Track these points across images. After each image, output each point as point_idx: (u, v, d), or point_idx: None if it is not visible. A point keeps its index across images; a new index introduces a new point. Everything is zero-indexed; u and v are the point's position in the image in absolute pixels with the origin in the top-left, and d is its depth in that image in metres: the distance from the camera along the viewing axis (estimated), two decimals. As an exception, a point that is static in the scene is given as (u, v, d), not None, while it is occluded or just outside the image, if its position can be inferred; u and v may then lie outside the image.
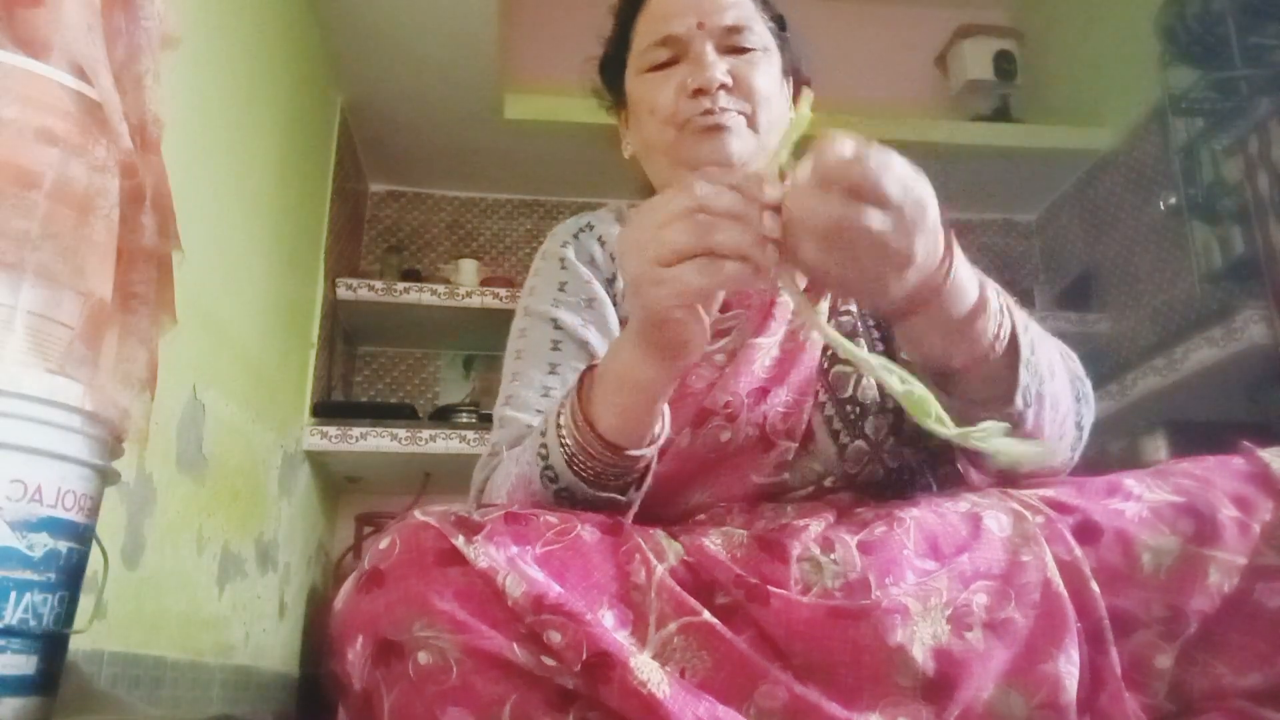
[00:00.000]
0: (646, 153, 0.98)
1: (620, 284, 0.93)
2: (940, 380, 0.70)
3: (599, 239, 0.96)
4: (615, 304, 0.92)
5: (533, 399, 0.85)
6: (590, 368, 0.71)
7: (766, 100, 0.92)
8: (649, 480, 0.74)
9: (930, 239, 0.59)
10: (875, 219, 0.56)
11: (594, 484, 0.71)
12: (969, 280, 0.65)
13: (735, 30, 0.91)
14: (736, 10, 0.92)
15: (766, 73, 0.92)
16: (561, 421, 0.71)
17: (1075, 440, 0.77)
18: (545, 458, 0.72)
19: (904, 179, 0.57)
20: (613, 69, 1.01)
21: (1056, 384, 0.72)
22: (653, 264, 0.58)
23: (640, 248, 0.59)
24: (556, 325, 0.90)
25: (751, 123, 0.92)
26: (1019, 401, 0.67)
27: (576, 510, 0.70)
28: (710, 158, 0.91)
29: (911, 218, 0.57)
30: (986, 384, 0.68)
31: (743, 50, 0.91)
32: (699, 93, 0.89)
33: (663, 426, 0.72)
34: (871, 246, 0.57)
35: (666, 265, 0.58)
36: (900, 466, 0.81)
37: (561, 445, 0.71)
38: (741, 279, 0.58)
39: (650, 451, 0.71)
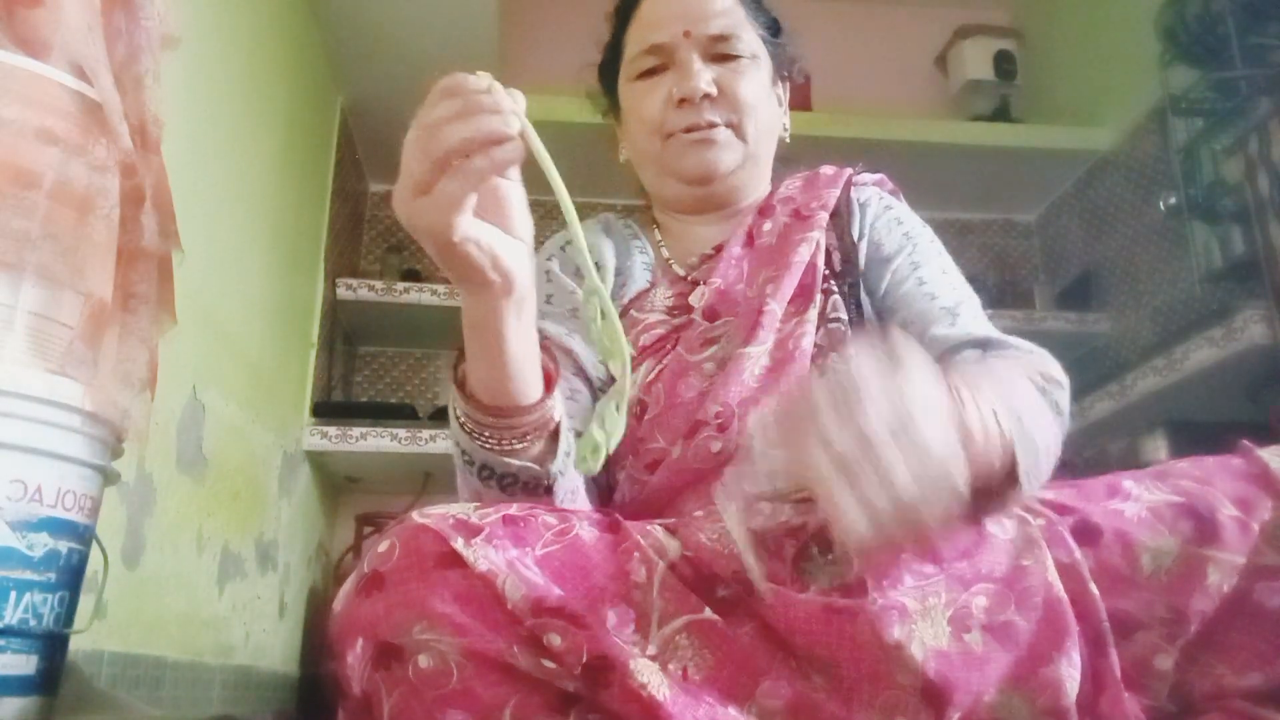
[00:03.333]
0: (638, 159, 0.99)
1: (607, 291, 0.93)
2: None
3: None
4: None
5: None
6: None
7: (753, 109, 0.92)
8: (564, 447, 0.72)
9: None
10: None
11: (497, 451, 0.69)
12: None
13: (722, 39, 0.91)
14: (724, 18, 0.92)
15: (753, 80, 0.92)
16: (455, 403, 0.71)
17: (1060, 429, 0.74)
18: (458, 442, 0.72)
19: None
20: (608, 74, 1.02)
21: (1044, 434, 0.66)
22: (411, 199, 0.58)
23: (397, 196, 0.60)
24: (543, 336, 0.89)
25: (739, 132, 0.92)
26: (1025, 484, 0.63)
27: (510, 497, 0.69)
28: (696, 170, 0.92)
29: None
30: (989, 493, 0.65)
31: (730, 58, 0.92)
32: (683, 103, 0.90)
33: (536, 385, 0.69)
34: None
35: (422, 194, 0.58)
36: None
37: (454, 416, 0.70)
38: (488, 169, 0.57)
39: (536, 415, 0.69)
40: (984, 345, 0.81)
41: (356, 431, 2.61)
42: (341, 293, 2.83)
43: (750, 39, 0.93)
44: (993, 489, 0.59)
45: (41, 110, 0.90)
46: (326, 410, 2.65)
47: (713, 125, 0.90)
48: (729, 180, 0.93)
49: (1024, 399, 0.66)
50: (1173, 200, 2.63)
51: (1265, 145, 2.25)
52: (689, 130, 0.90)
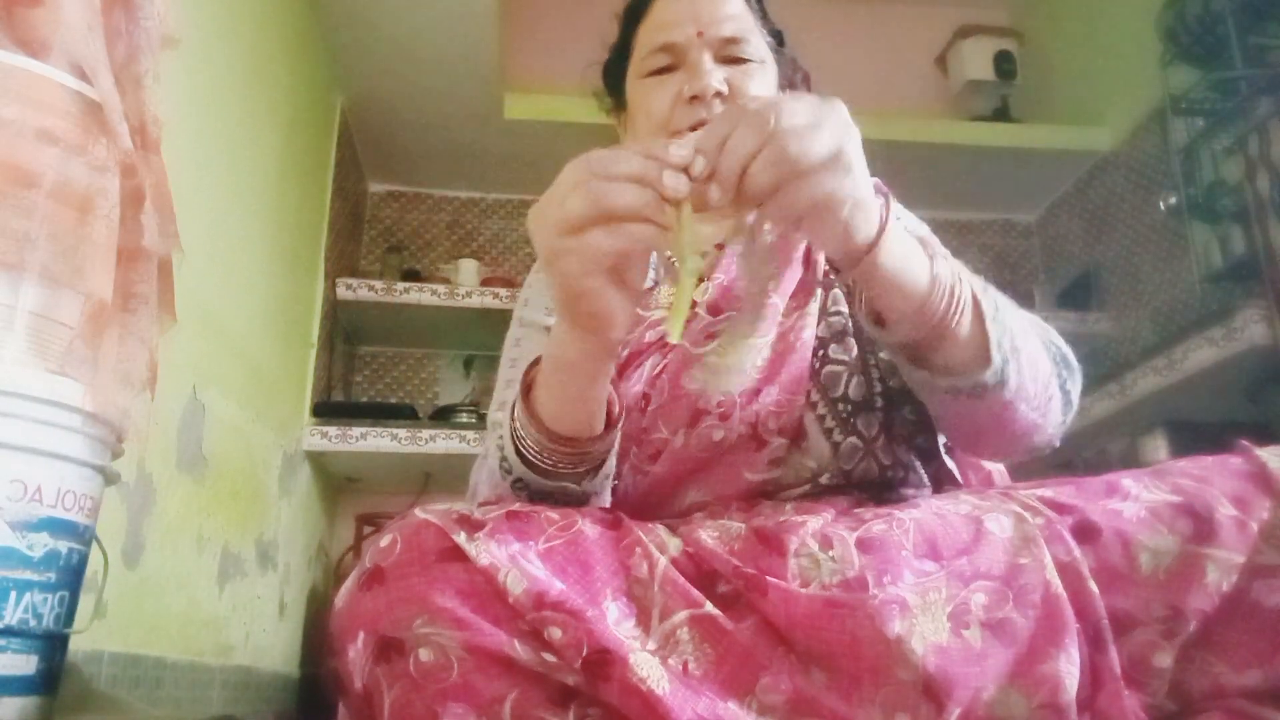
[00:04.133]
0: None
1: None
2: (916, 357, 0.71)
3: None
4: None
5: None
6: (538, 358, 0.72)
7: None
8: (606, 469, 0.75)
9: (853, 145, 0.59)
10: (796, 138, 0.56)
11: (546, 474, 0.72)
12: (905, 236, 0.66)
13: (734, 41, 0.92)
14: (736, 22, 0.93)
15: (762, 84, 0.93)
16: (515, 413, 0.72)
17: (1064, 405, 0.78)
18: (501, 449, 0.73)
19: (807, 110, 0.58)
20: (615, 73, 1.02)
21: (1030, 342, 0.73)
22: (557, 234, 0.58)
23: (544, 221, 0.59)
24: (549, 333, 0.91)
25: None
26: (995, 356, 0.68)
27: (541, 503, 0.70)
28: None
29: (830, 132, 0.57)
30: (960, 347, 0.69)
31: (740, 61, 0.93)
32: (694, 100, 0.90)
33: (610, 417, 0.72)
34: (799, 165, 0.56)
35: (571, 234, 0.57)
36: (894, 463, 0.82)
37: (513, 436, 0.72)
38: (647, 239, 0.57)
39: (599, 446, 0.72)
40: None
41: (356, 431, 2.61)
42: (341, 293, 2.83)
43: (759, 44, 0.95)
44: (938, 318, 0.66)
45: (41, 110, 0.90)
46: (326, 410, 2.66)
47: None
48: None
49: (1011, 314, 0.71)
50: (1173, 200, 2.63)
51: (1265, 145, 2.25)
52: (696, 128, 0.91)
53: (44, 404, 0.87)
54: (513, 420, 0.72)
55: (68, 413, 0.89)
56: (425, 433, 2.65)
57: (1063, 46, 3.30)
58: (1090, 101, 3.15)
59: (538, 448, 0.71)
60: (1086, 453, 2.52)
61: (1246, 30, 2.39)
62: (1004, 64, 3.28)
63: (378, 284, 2.90)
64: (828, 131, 0.57)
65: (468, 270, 3.08)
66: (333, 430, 2.60)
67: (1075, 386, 0.79)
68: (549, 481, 0.72)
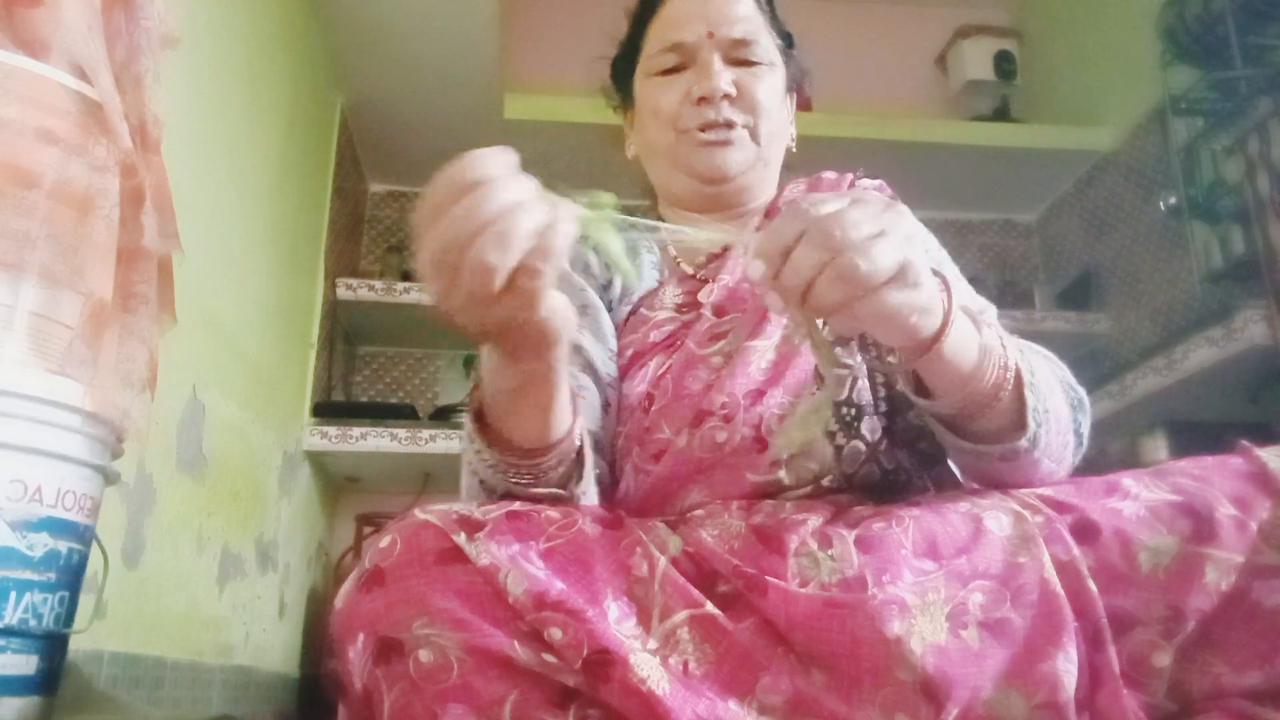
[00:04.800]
0: (648, 154, 1.00)
1: (615, 289, 0.94)
2: (954, 426, 0.71)
3: (593, 246, 0.96)
4: (610, 309, 0.93)
5: None
6: (476, 384, 0.69)
7: (768, 113, 0.93)
8: (588, 471, 0.73)
9: (917, 253, 0.58)
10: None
11: (525, 484, 0.70)
12: (963, 319, 0.65)
13: (743, 43, 0.93)
14: (746, 23, 0.93)
15: (770, 86, 0.94)
16: (474, 436, 0.69)
17: (1077, 447, 0.78)
18: (475, 472, 0.72)
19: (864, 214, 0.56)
20: (623, 70, 1.03)
21: (1056, 399, 0.73)
22: (481, 307, 0.53)
23: (449, 303, 0.54)
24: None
25: (753, 134, 0.94)
26: (1031, 423, 0.68)
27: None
28: (709, 168, 0.93)
29: (891, 237, 0.56)
30: (999, 415, 0.68)
31: (749, 63, 0.93)
32: (703, 101, 0.91)
33: (574, 416, 0.70)
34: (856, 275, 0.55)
35: (497, 302, 0.53)
36: (896, 468, 0.82)
37: (479, 457, 0.70)
38: (565, 245, 0.53)
39: (563, 449, 0.69)
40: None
41: (356, 431, 2.61)
42: (341, 293, 2.83)
43: (769, 46, 0.95)
44: (985, 398, 0.66)
45: (41, 110, 0.90)
46: (326, 410, 2.65)
47: (729, 124, 0.92)
48: (739, 180, 0.94)
49: (1043, 373, 0.71)
50: (1173, 200, 2.63)
51: (1265, 145, 2.25)
52: (704, 128, 0.91)
53: (44, 404, 0.87)
54: (474, 446, 0.70)
55: (67, 413, 0.89)
56: (425, 433, 2.65)
57: (1063, 46, 3.30)
58: (1090, 101, 3.15)
59: (504, 464, 0.68)
60: (1087, 452, 2.51)
61: (1246, 30, 2.39)
62: (1004, 64, 3.28)
63: (378, 284, 2.90)
64: (894, 243, 0.55)
65: (468, 270, 3.08)
66: (333, 430, 2.60)
67: (1086, 424, 0.79)
68: (537, 490, 0.71)
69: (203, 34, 1.68)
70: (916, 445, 0.84)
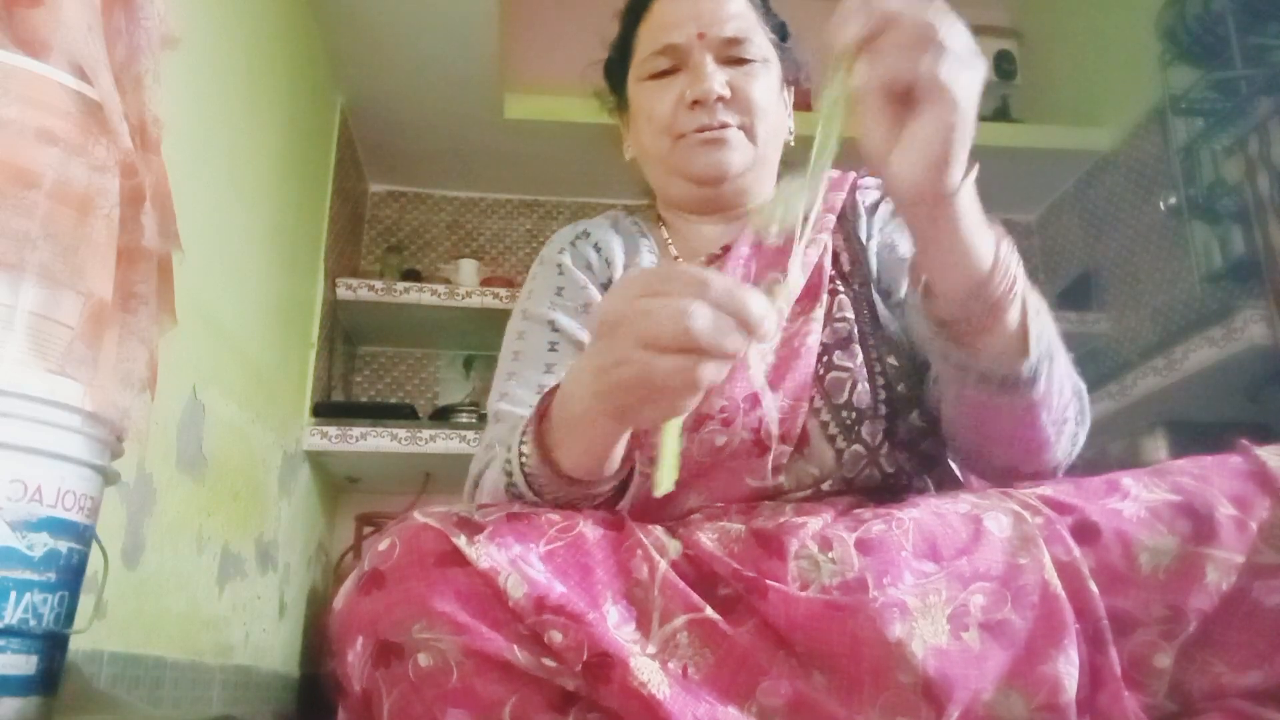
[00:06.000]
0: (644, 158, 0.99)
1: None
2: (957, 336, 0.68)
3: (595, 245, 0.97)
4: None
5: (527, 396, 0.86)
6: (549, 393, 0.69)
7: (764, 112, 0.93)
8: (627, 498, 0.74)
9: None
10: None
11: (559, 504, 0.70)
12: (977, 204, 0.65)
13: (735, 41, 0.92)
14: (737, 21, 0.93)
15: (765, 84, 0.93)
16: (524, 451, 0.69)
17: (1071, 438, 0.76)
18: (509, 475, 0.72)
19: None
20: (616, 73, 1.02)
21: (1061, 355, 0.71)
22: (636, 344, 0.55)
23: (627, 321, 0.55)
24: (554, 328, 0.90)
25: (750, 134, 0.93)
26: (1034, 350, 0.66)
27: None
28: (707, 171, 0.92)
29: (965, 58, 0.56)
30: (1002, 337, 0.66)
31: (742, 61, 0.92)
32: (696, 104, 0.90)
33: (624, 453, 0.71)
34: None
35: (650, 350, 0.54)
36: (897, 471, 0.81)
37: (524, 472, 0.70)
38: (720, 378, 0.55)
39: (612, 482, 0.71)
40: None
41: (356, 431, 2.61)
42: (341, 293, 2.83)
43: (762, 43, 0.94)
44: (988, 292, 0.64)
45: (41, 110, 0.90)
46: (326, 410, 2.66)
47: (724, 126, 0.91)
48: (738, 181, 0.94)
49: (1049, 325, 0.70)
50: (1173, 200, 2.63)
51: (1265, 145, 2.25)
52: (700, 131, 0.91)
53: (44, 404, 0.87)
54: (522, 460, 0.70)
55: (68, 413, 0.89)
56: (425, 433, 2.65)
57: (1063, 46, 3.30)
58: (1090, 101, 3.15)
59: (558, 490, 0.69)
60: (1087, 453, 2.51)
61: (1246, 30, 2.39)
62: (1004, 64, 3.28)
63: (378, 284, 2.90)
64: (979, 71, 0.57)
65: (468, 270, 3.08)
66: (333, 430, 2.60)
67: (1084, 429, 0.77)
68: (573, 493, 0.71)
69: (203, 34, 1.68)
70: (918, 448, 0.83)
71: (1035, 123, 3.24)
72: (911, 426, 0.83)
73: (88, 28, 0.94)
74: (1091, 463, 0.80)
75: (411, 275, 3.10)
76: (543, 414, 0.69)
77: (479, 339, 3.11)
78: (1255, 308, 2.11)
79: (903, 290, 0.90)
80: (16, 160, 0.87)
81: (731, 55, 0.92)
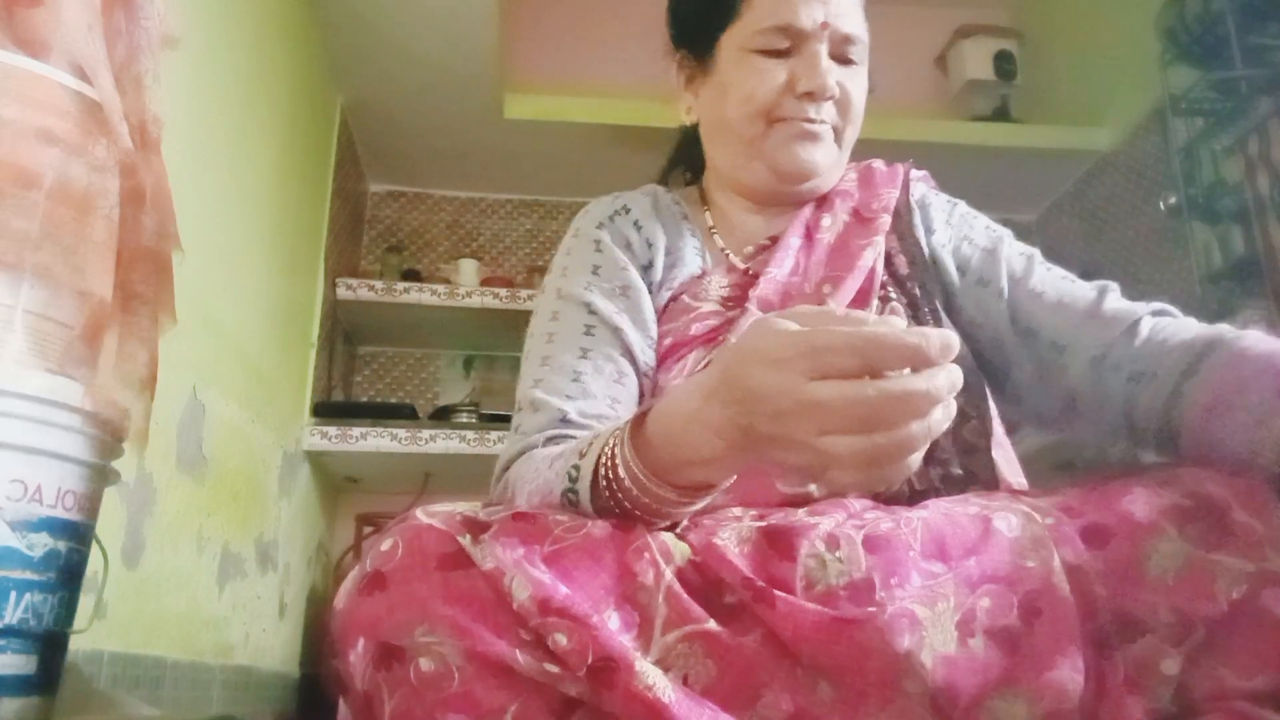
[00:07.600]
0: (718, 129, 0.94)
1: (656, 272, 0.91)
2: None
3: (635, 223, 0.93)
4: (651, 292, 0.89)
5: (563, 384, 0.82)
6: (643, 412, 0.65)
7: (857, 118, 0.92)
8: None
9: None
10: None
11: (625, 515, 0.67)
12: None
13: (850, 40, 0.90)
14: (856, 20, 0.91)
15: (862, 89, 0.92)
16: (619, 462, 0.65)
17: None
18: (574, 480, 0.68)
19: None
20: (696, 25, 0.95)
21: None
22: (814, 429, 0.52)
23: (793, 414, 0.53)
24: (590, 310, 0.86)
25: (839, 137, 0.91)
26: None
27: None
28: (795, 164, 0.89)
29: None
30: None
31: (849, 62, 0.90)
32: (808, 96, 0.87)
33: None
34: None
35: (825, 428, 0.52)
36: (928, 489, 0.79)
37: (608, 481, 0.66)
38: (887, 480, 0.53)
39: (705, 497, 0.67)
40: (1164, 315, 0.85)
41: (356, 431, 2.61)
42: (341, 293, 2.83)
43: (865, 48, 0.92)
44: None
45: (41, 110, 0.89)
46: (326, 410, 2.65)
47: (823, 123, 0.89)
48: (816, 180, 0.92)
49: None
50: (1173, 200, 2.63)
51: (1265, 145, 2.25)
52: (802, 121, 0.88)
53: (44, 404, 0.87)
54: (616, 469, 0.65)
55: (67, 413, 0.89)
56: (425, 433, 2.65)
57: (1063, 46, 3.30)
58: (1090, 101, 3.15)
59: (653, 503, 0.65)
60: (1087, 453, 2.52)
61: (1246, 30, 2.39)
62: (1004, 64, 3.28)
63: (378, 284, 2.90)
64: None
65: (468, 270, 3.08)
66: (333, 430, 2.60)
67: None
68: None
69: (203, 34, 1.68)
70: (957, 466, 0.81)
71: (1035, 123, 3.24)
72: (962, 441, 0.80)
73: (88, 27, 0.94)
74: (1092, 463, 0.79)
75: (411, 275, 3.10)
76: (638, 432, 0.65)
77: (479, 339, 3.11)
78: (1255, 308, 2.11)
79: (1002, 280, 0.90)
80: (16, 160, 0.87)
81: (843, 53, 0.89)
